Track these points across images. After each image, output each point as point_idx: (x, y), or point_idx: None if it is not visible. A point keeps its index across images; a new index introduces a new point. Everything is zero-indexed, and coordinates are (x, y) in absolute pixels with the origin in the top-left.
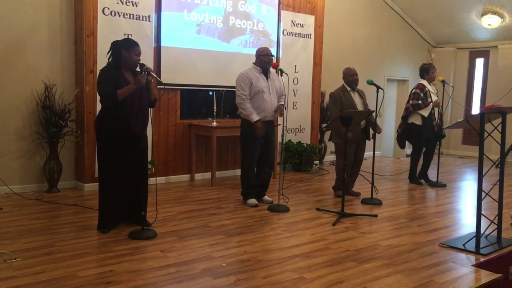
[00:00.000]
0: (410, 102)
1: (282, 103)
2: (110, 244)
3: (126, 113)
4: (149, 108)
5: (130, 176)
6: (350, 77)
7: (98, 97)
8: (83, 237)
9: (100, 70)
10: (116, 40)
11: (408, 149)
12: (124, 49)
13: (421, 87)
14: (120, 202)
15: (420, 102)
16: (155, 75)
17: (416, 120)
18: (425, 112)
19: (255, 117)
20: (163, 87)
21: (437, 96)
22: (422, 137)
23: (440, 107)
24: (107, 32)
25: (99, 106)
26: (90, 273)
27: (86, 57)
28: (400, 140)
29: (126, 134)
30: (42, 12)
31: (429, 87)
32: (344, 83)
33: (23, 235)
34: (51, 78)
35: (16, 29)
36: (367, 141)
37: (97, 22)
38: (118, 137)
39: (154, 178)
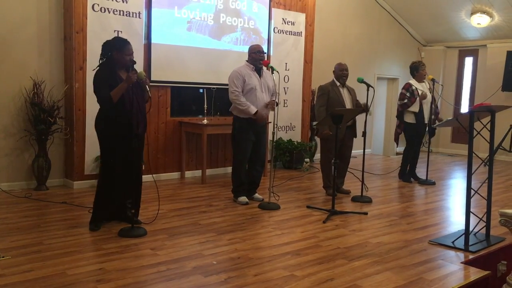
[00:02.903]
0: (398, 103)
1: (274, 99)
2: (100, 242)
3: (125, 114)
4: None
5: (126, 174)
6: (340, 71)
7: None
8: (72, 235)
9: (95, 73)
10: (107, 41)
11: (399, 147)
12: (116, 49)
13: (407, 86)
14: (114, 200)
15: (406, 101)
16: (148, 88)
17: (409, 118)
18: (415, 108)
19: (253, 109)
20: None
21: (430, 93)
22: (416, 135)
23: (432, 102)
24: (97, 29)
25: (88, 103)
26: (79, 271)
27: (76, 54)
28: (397, 138)
29: (127, 134)
30: (31, 7)
31: (417, 85)
32: (334, 78)
33: (11, 233)
34: (40, 74)
35: (4, 24)
36: (357, 139)
37: (86, 18)
38: (119, 137)
39: (143, 176)
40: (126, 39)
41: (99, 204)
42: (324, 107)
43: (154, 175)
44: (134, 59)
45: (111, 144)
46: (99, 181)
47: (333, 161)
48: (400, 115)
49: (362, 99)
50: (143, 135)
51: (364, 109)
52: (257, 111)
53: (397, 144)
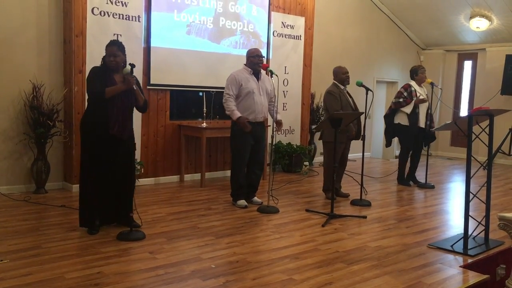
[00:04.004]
0: (393, 101)
1: (280, 119)
2: (98, 245)
3: (106, 113)
4: (134, 111)
5: (114, 177)
6: (343, 74)
7: (87, 96)
8: (70, 239)
9: (90, 70)
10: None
11: (397, 150)
12: (105, 52)
13: (406, 86)
14: (105, 203)
15: (401, 100)
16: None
17: (402, 120)
18: (408, 109)
19: (237, 114)
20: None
21: (427, 98)
22: (409, 137)
23: (429, 108)
24: (96, 32)
25: None
26: (77, 275)
27: (75, 57)
28: (386, 138)
29: (106, 134)
30: (31, 11)
31: (416, 87)
32: (335, 82)
33: (10, 237)
34: (39, 78)
35: (4, 28)
36: (356, 142)
37: (86, 22)
38: (99, 137)
39: (142, 179)
40: (113, 41)
41: (83, 210)
42: (340, 111)
43: (153, 178)
44: (133, 62)
45: (91, 145)
46: (80, 186)
47: (334, 164)
48: (390, 115)
49: (361, 103)
50: (122, 137)
51: (362, 113)
52: (240, 116)
53: (387, 144)
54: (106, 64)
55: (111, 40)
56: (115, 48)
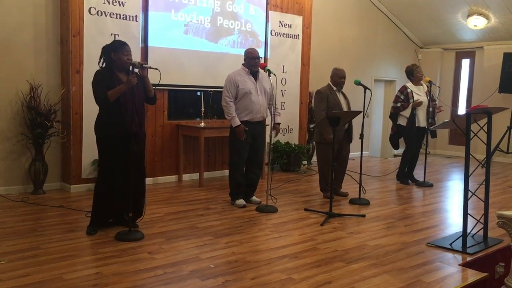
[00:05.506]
0: (392, 105)
1: (279, 121)
2: (97, 246)
3: (120, 114)
4: (145, 105)
5: (126, 178)
6: (338, 78)
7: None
8: (69, 239)
9: (94, 74)
10: (106, 45)
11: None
12: (113, 51)
13: (402, 89)
14: (114, 205)
15: (398, 105)
16: (149, 66)
17: (401, 121)
18: (406, 113)
19: (236, 122)
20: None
21: (427, 96)
22: (411, 137)
23: (432, 106)
24: (94, 32)
25: (85, 107)
26: (76, 276)
27: (72, 57)
28: (393, 141)
29: (123, 134)
30: (28, 11)
31: (414, 88)
32: (330, 83)
33: (8, 238)
34: (37, 78)
35: (1, 28)
36: (355, 141)
37: (83, 22)
38: (116, 138)
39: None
40: (123, 41)
41: (98, 210)
42: (325, 111)
43: (151, 178)
44: (139, 61)
45: (109, 147)
46: (97, 186)
47: (332, 163)
48: (392, 117)
49: (359, 101)
50: (142, 136)
51: (360, 112)
52: (239, 125)
53: (394, 147)
54: (121, 62)
55: (119, 41)
56: (129, 47)
